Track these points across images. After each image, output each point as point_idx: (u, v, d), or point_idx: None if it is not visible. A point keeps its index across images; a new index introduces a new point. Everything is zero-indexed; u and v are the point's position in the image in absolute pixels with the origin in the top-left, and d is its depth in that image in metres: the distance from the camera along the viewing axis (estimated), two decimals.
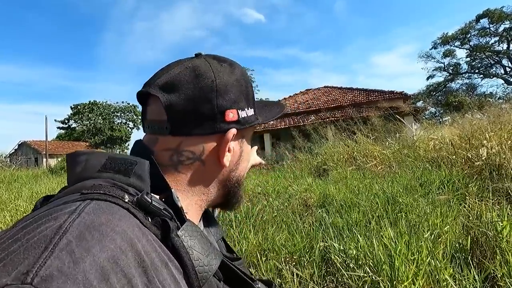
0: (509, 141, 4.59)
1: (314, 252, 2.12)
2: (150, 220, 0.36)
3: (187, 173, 0.47)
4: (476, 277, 1.56)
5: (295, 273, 1.86)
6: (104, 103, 43.82)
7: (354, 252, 1.89)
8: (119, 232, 0.30)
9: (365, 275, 1.60)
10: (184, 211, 0.41)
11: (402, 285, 1.51)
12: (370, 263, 1.73)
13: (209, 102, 0.45)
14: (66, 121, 43.84)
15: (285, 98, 17.64)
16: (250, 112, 0.50)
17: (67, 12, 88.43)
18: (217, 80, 0.46)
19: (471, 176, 4.40)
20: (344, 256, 1.96)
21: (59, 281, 0.24)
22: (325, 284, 1.87)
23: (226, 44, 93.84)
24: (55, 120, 43.81)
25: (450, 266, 1.72)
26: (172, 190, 0.41)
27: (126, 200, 0.36)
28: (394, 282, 1.55)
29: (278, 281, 1.87)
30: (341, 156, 6.60)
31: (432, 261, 1.73)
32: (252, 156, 0.58)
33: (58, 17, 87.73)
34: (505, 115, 5.94)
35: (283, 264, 1.91)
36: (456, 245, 2.08)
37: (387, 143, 6.45)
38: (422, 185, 4.02)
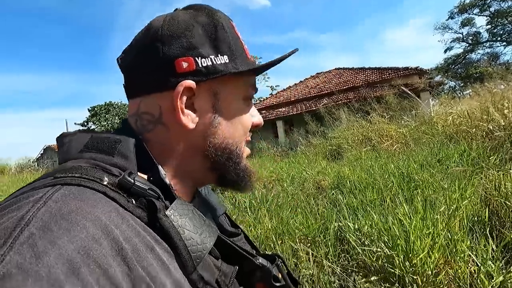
0: None
1: (328, 233, 2.14)
2: (134, 202, 0.33)
3: (155, 141, 0.41)
4: (494, 247, 1.53)
5: (310, 253, 1.89)
6: (119, 103, 44.93)
7: (369, 230, 1.89)
8: (92, 219, 0.27)
9: (379, 250, 1.61)
10: (174, 188, 0.38)
11: (417, 258, 1.52)
12: (385, 239, 1.74)
13: (154, 53, 0.39)
14: (85, 123, 45.36)
15: (295, 84, 17.40)
16: (222, 59, 0.41)
17: (76, 19, 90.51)
18: (164, 28, 0.40)
19: (492, 148, 4.23)
20: (360, 234, 1.97)
21: (18, 278, 0.21)
22: (340, 262, 1.90)
23: None
24: (74, 124, 45.40)
25: (468, 238, 1.70)
26: (159, 166, 0.38)
27: (105, 183, 0.32)
28: (410, 255, 1.56)
29: (294, 261, 1.91)
30: (356, 138, 6.50)
31: (449, 234, 1.71)
32: (244, 116, 0.46)
33: (68, 25, 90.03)
34: None
35: (298, 244, 1.95)
36: (475, 218, 2.04)
37: (402, 121, 6.27)
38: (440, 161, 3.92)
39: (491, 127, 4.61)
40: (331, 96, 11.31)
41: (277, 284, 0.43)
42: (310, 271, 1.68)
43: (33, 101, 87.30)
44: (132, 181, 0.33)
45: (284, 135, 12.41)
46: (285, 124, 13.14)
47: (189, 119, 0.40)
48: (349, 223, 2.10)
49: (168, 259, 0.31)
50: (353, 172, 3.66)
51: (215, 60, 0.40)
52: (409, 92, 6.29)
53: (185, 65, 0.39)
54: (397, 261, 1.52)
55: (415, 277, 1.48)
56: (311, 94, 14.49)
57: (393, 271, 1.52)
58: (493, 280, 1.42)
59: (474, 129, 5.07)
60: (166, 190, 0.36)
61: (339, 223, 2.20)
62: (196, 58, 0.39)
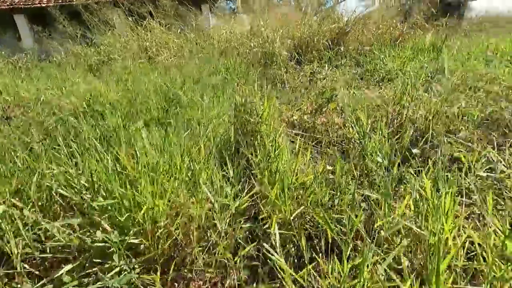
0: (281, 30, 5.08)
1: (39, 188, 1.32)
2: None
3: None
4: (231, 172, 1.34)
5: None
6: None
7: (86, 180, 1.25)
8: None
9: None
10: None
11: (141, 212, 1.06)
12: (108, 188, 1.17)
13: None
14: None
15: None
16: None
17: None
18: None
19: (253, 64, 4.69)
20: (79, 185, 1.30)
21: None
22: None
23: None
24: None
25: (210, 166, 1.45)
26: None
27: None
28: (135, 207, 1.08)
29: None
30: (129, 47, 5.38)
31: (191, 164, 1.39)
32: None
33: None
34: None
35: None
36: (226, 136, 1.90)
37: (178, 31, 5.75)
38: (211, 75, 3.83)
39: (252, 44, 5.04)
40: None
41: None
42: None
43: None
44: None
45: (32, 38, 8.72)
46: (32, 22, 9.10)
47: None
48: (70, 170, 1.36)
49: None
50: (110, 90, 2.80)
51: None
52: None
53: None
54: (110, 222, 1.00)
55: (136, 240, 1.03)
56: None
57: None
58: (227, 211, 1.23)
59: (241, 47, 5.44)
60: None
61: (52, 171, 1.40)
62: None
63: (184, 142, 1.44)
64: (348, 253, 1.19)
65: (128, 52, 5.19)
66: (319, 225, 1.32)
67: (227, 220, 1.20)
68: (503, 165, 1.71)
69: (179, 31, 5.73)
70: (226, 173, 1.41)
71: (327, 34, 5.69)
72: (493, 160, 1.75)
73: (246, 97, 1.87)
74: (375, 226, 1.09)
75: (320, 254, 1.28)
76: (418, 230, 0.97)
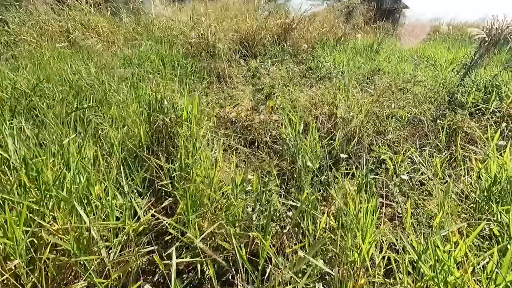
0: (224, 22, 4.82)
1: None
2: None
3: None
4: (126, 187, 1.10)
5: None
6: None
7: None
8: None
9: None
10: None
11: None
12: None
13: None
14: None
15: None
16: None
17: None
18: None
19: (193, 55, 4.36)
20: None
21: None
22: None
23: None
24: None
25: (111, 178, 1.18)
26: None
27: None
28: None
29: None
30: (49, 28, 4.60)
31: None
32: None
33: None
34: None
35: None
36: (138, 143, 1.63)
37: (108, 13, 5.12)
38: (141, 65, 3.44)
39: (193, 34, 4.70)
40: None
41: None
42: None
43: None
44: None
45: None
46: None
47: None
48: None
49: None
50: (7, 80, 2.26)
51: None
52: None
53: None
54: None
55: None
56: None
57: None
58: (122, 235, 1.00)
59: (182, 36, 5.05)
60: None
61: None
62: None
63: (75, 147, 1.15)
64: (268, 273, 1.06)
65: (45, 34, 4.43)
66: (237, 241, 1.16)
67: (118, 248, 0.97)
68: (424, 166, 1.76)
69: (109, 13, 5.09)
70: (131, 185, 1.16)
71: (273, 29, 5.60)
72: (416, 162, 1.79)
73: (164, 93, 1.61)
74: (287, 251, 0.96)
75: (238, 276, 1.12)
76: (324, 268, 0.86)
